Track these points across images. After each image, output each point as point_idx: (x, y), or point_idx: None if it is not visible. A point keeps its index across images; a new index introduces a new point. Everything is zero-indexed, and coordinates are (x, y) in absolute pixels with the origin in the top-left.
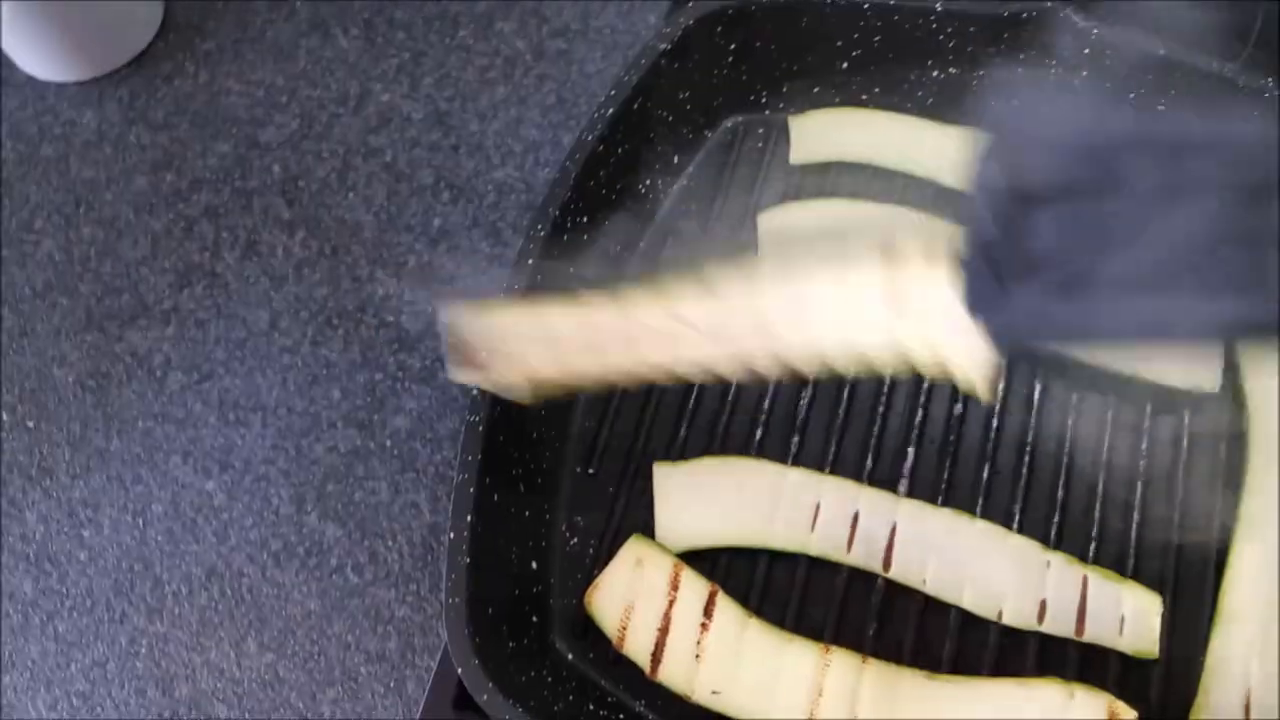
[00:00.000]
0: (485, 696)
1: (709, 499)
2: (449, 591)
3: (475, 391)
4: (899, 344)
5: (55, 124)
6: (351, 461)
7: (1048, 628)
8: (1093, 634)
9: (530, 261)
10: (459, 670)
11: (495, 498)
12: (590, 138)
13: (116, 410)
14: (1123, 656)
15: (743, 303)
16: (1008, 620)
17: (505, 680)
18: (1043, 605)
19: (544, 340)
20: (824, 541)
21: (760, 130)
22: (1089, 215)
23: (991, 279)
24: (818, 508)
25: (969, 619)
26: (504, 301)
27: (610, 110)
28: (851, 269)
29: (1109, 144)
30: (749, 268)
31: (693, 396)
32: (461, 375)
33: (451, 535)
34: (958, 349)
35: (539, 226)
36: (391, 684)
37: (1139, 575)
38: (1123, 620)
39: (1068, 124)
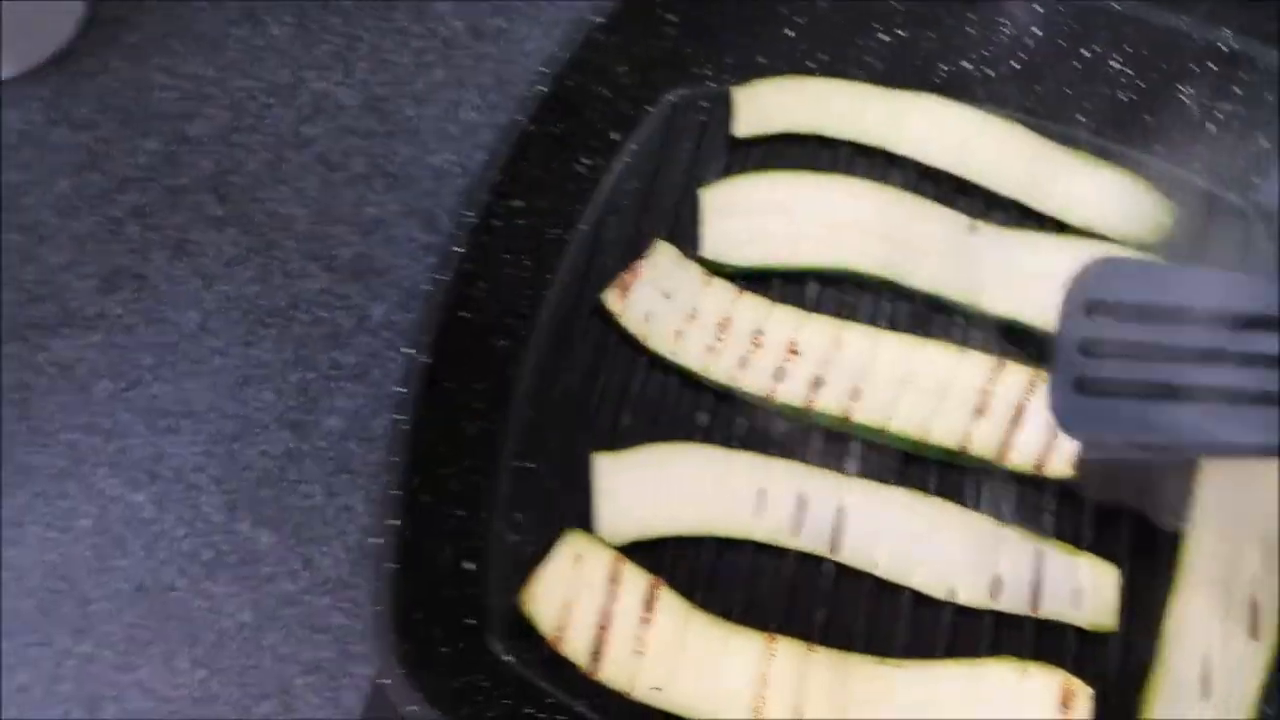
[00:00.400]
0: (412, 708)
1: (651, 489)
2: (373, 599)
3: (401, 389)
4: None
5: None
6: (285, 465)
7: (1003, 605)
8: (1049, 609)
9: (458, 249)
10: (385, 682)
11: (425, 499)
12: (522, 118)
13: (40, 423)
14: (1080, 631)
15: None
16: (962, 600)
17: (436, 689)
18: (997, 582)
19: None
20: (771, 526)
21: (703, 104)
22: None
23: (1071, 388)
24: (763, 492)
25: (922, 601)
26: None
27: (542, 89)
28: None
29: (1177, 309)
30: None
31: (634, 384)
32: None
33: (375, 541)
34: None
35: (468, 213)
36: (328, 695)
37: (1096, 547)
38: (1079, 593)
39: (1145, 284)
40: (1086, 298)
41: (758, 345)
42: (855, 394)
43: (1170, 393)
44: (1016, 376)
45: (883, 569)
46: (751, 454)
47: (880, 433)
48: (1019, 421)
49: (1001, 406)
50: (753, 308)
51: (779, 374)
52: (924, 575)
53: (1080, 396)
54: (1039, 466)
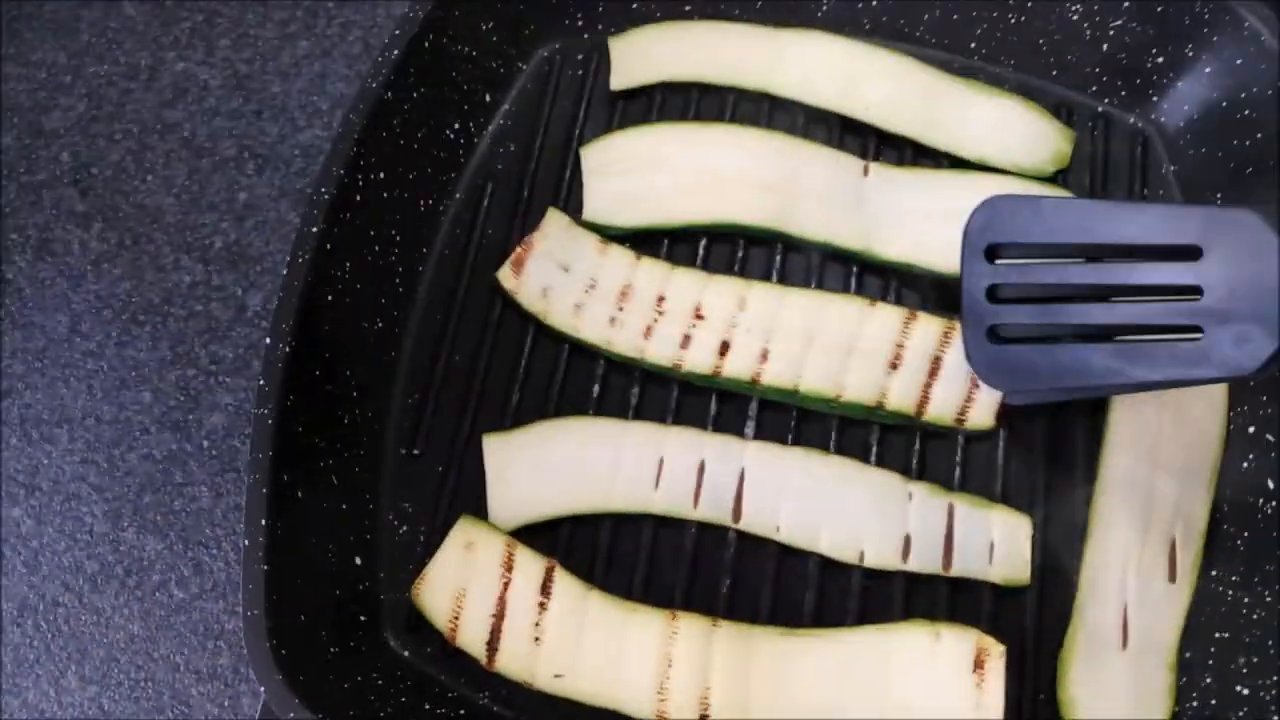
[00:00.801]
0: (292, 715)
1: (545, 468)
2: (246, 604)
3: (263, 382)
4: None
5: None
6: (168, 468)
7: (913, 566)
8: (961, 567)
9: (314, 229)
10: (262, 689)
11: (299, 494)
12: (375, 84)
13: None
14: (995, 589)
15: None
16: (870, 563)
17: (320, 692)
18: (907, 541)
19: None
20: (670, 497)
21: (579, 56)
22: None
23: (985, 339)
24: (661, 462)
25: (829, 565)
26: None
27: (395, 52)
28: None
29: (1073, 246)
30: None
31: (523, 361)
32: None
33: (246, 543)
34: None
35: (323, 190)
36: (225, 703)
37: (1007, 499)
38: (992, 548)
39: (1040, 223)
40: (984, 242)
41: (661, 312)
42: (763, 355)
43: (1081, 333)
44: (929, 327)
45: (785, 534)
46: (647, 424)
47: (792, 393)
48: (935, 374)
49: (916, 359)
50: (653, 273)
51: (685, 342)
52: (830, 538)
53: (996, 346)
54: (960, 419)
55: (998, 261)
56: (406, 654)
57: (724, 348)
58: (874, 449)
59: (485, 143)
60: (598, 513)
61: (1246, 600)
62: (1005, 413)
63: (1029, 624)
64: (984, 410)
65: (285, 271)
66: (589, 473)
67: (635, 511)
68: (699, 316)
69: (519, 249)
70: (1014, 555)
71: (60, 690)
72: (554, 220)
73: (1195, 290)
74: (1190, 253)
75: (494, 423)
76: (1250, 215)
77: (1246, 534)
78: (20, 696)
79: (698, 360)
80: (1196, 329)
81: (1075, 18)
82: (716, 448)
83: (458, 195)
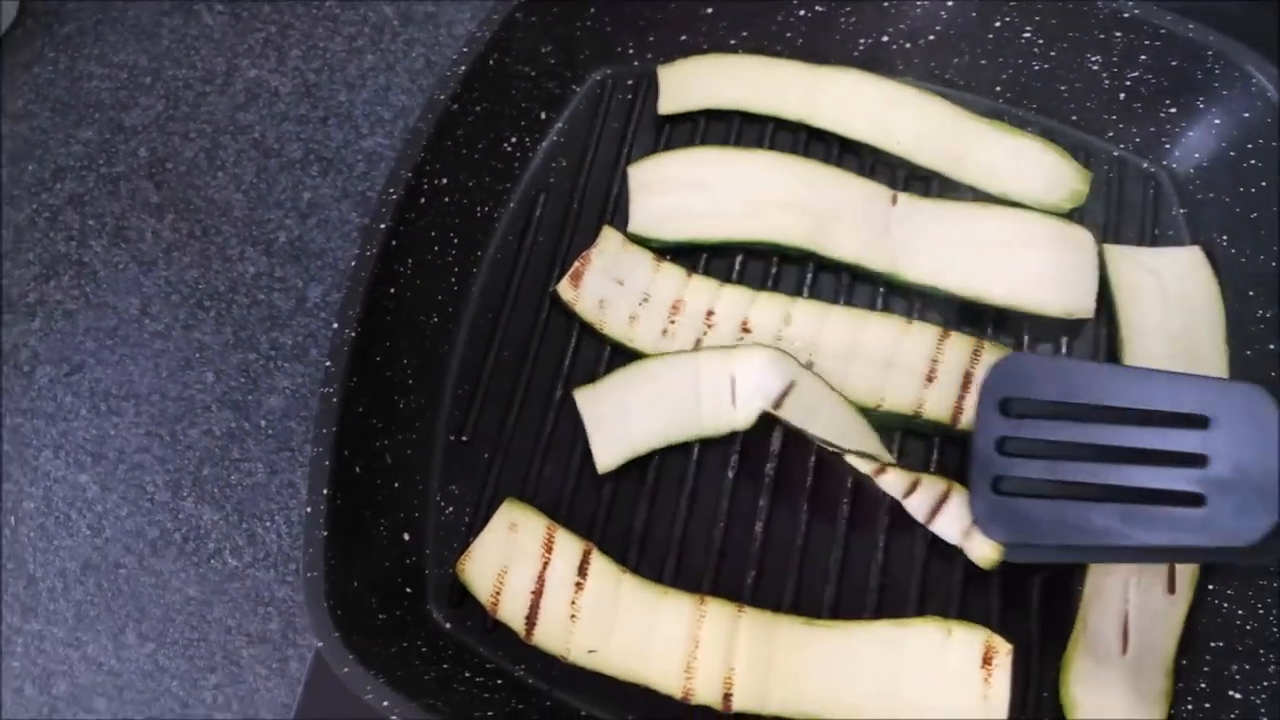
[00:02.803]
0: (346, 670)
1: (635, 407)
2: (307, 566)
3: (329, 364)
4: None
5: None
6: (227, 444)
7: (910, 502)
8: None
9: (383, 226)
10: (319, 645)
11: (358, 470)
12: (443, 97)
13: None
14: (1003, 592)
15: None
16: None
17: (371, 652)
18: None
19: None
20: (749, 412)
21: (629, 82)
22: (1068, 457)
23: (990, 489)
24: (733, 380)
25: (848, 562)
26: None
27: (463, 69)
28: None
29: (1085, 406)
30: None
31: (566, 359)
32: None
33: (309, 510)
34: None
35: (391, 191)
36: (274, 665)
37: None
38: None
39: (1055, 381)
40: (999, 396)
41: (710, 325)
42: (808, 367)
43: (1087, 493)
44: (961, 345)
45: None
46: (714, 349)
47: None
48: (968, 387)
49: (950, 373)
50: (703, 289)
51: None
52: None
53: (999, 497)
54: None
55: (1011, 417)
56: (448, 626)
57: None
58: (893, 450)
59: (539, 157)
60: (690, 440)
61: (1240, 612)
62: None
63: (1035, 627)
64: None
65: (353, 263)
66: (674, 403)
67: (721, 434)
68: (746, 330)
69: (577, 263)
70: None
71: (119, 645)
72: (610, 237)
73: (1201, 459)
74: (1199, 421)
75: (536, 416)
76: (1258, 391)
77: None
78: (81, 649)
79: None
80: (1199, 498)
81: (1095, 68)
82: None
83: (511, 204)
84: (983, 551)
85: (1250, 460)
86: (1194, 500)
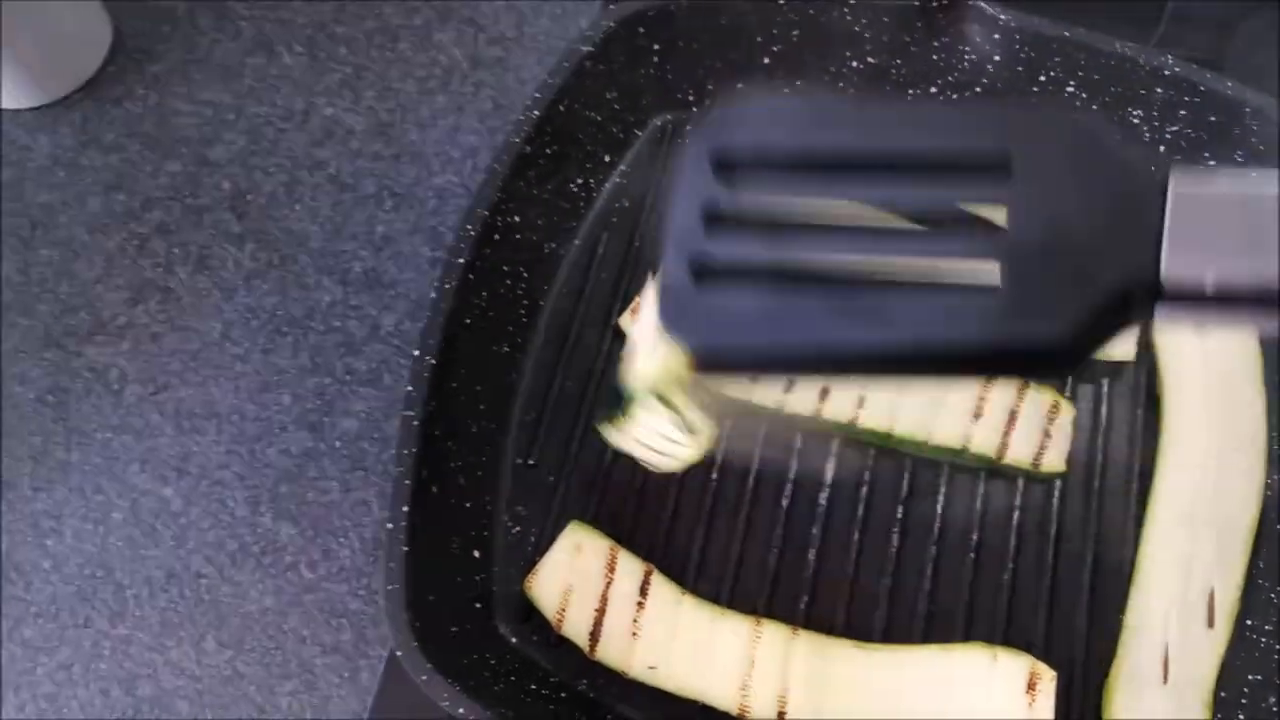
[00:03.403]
0: (425, 678)
1: None
2: (388, 579)
3: (410, 389)
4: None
5: (10, 150)
6: (303, 463)
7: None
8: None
9: (461, 260)
10: (399, 654)
11: (434, 490)
12: (517, 139)
13: (76, 424)
14: (1047, 621)
15: None
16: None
17: (446, 663)
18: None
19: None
20: None
21: (689, 127)
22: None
23: (688, 275)
24: None
25: (897, 590)
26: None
27: (536, 113)
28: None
29: (829, 156)
30: None
31: None
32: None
33: (390, 526)
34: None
35: (469, 227)
36: (346, 674)
37: (1060, 540)
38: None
39: (791, 127)
40: (717, 147)
41: None
42: (860, 401)
43: (822, 274)
44: (1007, 384)
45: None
46: None
47: (886, 436)
48: (1013, 424)
49: (996, 411)
50: None
51: (788, 386)
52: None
53: (700, 290)
54: (1035, 464)
55: (726, 177)
56: (514, 640)
57: (823, 392)
58: (942, 489)
59: (603, 197)
60: None
61: (1278, 648)
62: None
63: (1078, 655)
64: (1056, 456)
65: (433, 295)
66: None
67: None
68: None
69: (639, 298)
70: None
71: (200, 652)
72: None
73: (984, 224)
74: (993, 166)
75: (601, 442)
76: (1088, 117)
77: (1279, 589)
78: (165, 655)
79: (800, 404)
80: (986, 286)
81: (1136, 121)
82: None
83: (576, 242)
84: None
85: (1057, 222)
86: (969, 285)
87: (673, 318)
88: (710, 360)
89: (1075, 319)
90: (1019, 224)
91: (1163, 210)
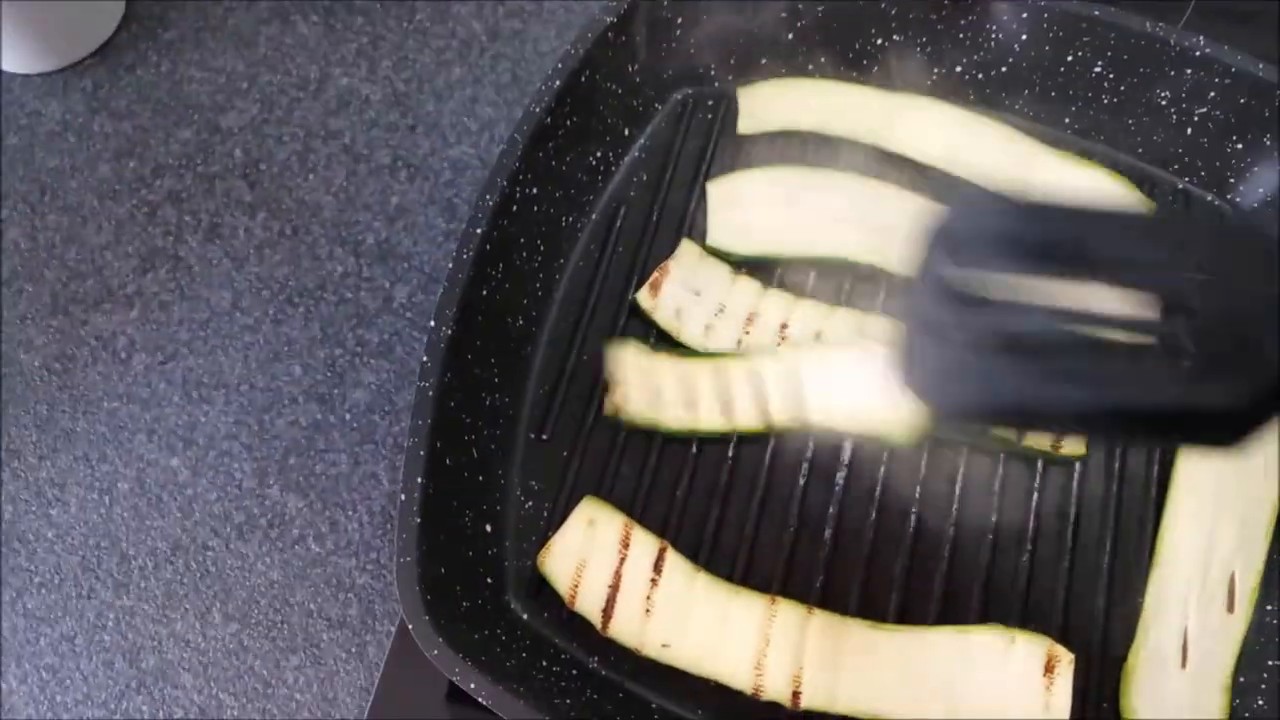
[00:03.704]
0: (435, 651)
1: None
2: (400, 550)
3: (426, 359)
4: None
5: (20, 115)
6: (312, 435)
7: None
8: None
9: (478, 231)
10: (410, 627)
11: (447, 462)
12: (537, 110)
13: (82, 392)
14: (1065, 604)
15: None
16: None
17: (457, 637)
18: None
19: (649, 388)
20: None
21: (709, 102)
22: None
23: (929, 343)
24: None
25: (913, 571)
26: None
27: (557, 84)
28: None
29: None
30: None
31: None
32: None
33: (403, 497)
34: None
35: (487, 197)
36: (353, 649)
37: (1080, 524)
38: None
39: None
40: (953, 236)
41: (784, 338)
42: None
43: (1044, 346)
44: None
45: None
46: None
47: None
48: None
49: None
50: (778, 302)
51: None
52: None
53: (938, 353)
54: (1055, 445)
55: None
56: (526, 616)
57: None
58: (960, 470)
59: (622, 171)
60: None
61: None
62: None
63: (1096, 638)
64: (1077, 439)
65: (450, 265)
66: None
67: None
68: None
69: (656, 273)
70: None
71: (205, 624)
72: (688, 250)
73: (1180, 307)
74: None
75: (610, 418)
76: (1258, 235)
77: None
78: (169, 627)
79: None
80: (1181, 353)
81: (1163, 103)
82: None
83: (594, 215)
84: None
85: (1245, 308)
86: (1167, 355)
87: (914, 380)
88: (945, 413)
89: (1253, 391)
90: (1207, 311)
91: None
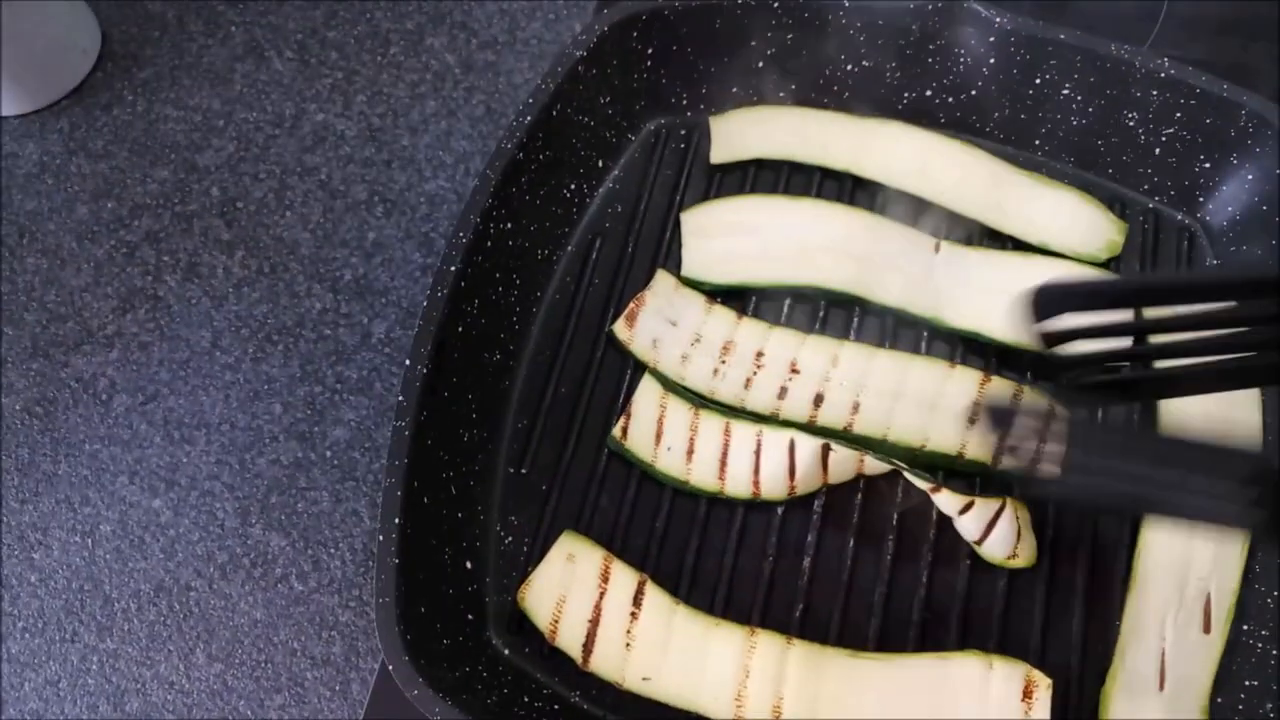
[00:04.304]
0: (415, 691)
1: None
2: (379, 591)
3: (401, 399)
4: None
5: None
6: (294, 473)
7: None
8: None
9: (453, 269)
10: (390, 667)
11: (425, 500)
12: (509, 145)
13: (63, 435)
14: (1043, 628)
15: None
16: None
17: (437, 676)
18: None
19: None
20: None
21: (682, 132)
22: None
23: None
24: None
25: (891, 598)
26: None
27: (529, 118)
28: None
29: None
30: None
31: (620, 396)
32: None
33: (381, 538)
34: None
35: (461, 234)
36: (337, 687)
37: (1057, 544)
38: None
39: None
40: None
41: (760, 366)
42: (854, 408)
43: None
44: (1001, 389)
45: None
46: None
47: (880, 442)
48: None
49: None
50: (753, 331)
51: (782, 393)
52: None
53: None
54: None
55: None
56: (507, 652)
57: (818, 399)
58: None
59: (596, 203)
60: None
61: (1275, 652)
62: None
63: (1073, 662)
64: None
65: (424, 303)
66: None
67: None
68: (795, 371)
69: (632, 304)
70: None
71: (189, 665)
72: (663, 280)
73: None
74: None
75: (591, 452)
76: None
77: (1276, 593)
78: (153, 669)
79: (794, 410)
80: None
81: (1131, 124)
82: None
83: (569, 248)
84: (1024, 562)
85: None
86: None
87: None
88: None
89: None
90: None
91: None
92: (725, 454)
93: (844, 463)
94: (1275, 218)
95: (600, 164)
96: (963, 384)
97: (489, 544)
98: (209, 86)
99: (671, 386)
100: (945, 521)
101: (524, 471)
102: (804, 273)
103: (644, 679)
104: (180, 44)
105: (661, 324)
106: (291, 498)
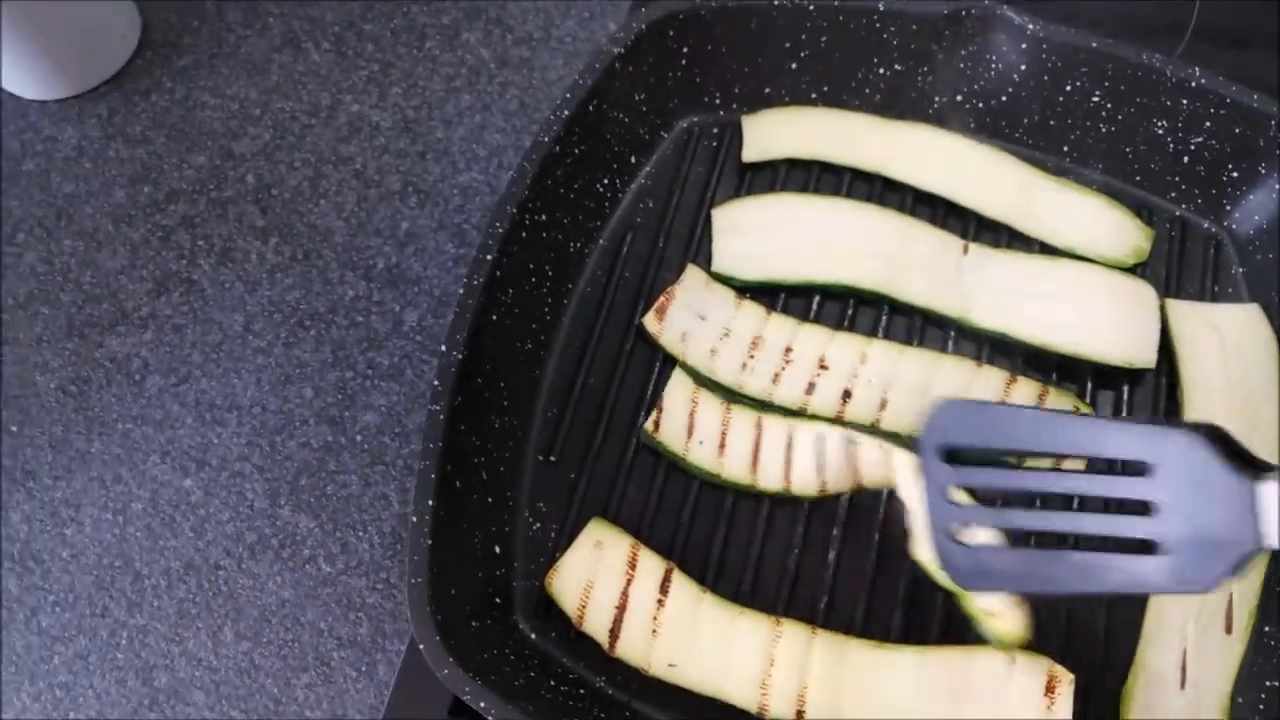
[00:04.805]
0: (446, 671)
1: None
2: (411, 572)
3: (437, 383)
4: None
5: (36, 140)
6: (323, 456)
7: None
8: None
9: (489, 257)
10: (421, 647)
11: (457, 484)
12: (546, 139)
13: (97, 414)
14: (1066, 624)
15: None
16: None
17: (466, 657)
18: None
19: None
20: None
21: (714, 130)
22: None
23: (951, 545)
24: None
25: (916, 589)
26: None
27: (565, 113)
28: None
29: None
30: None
31: (649, 388)
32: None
33: (414, 519)
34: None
35: (497, 224)
36: (363, 668)
37: (1079, 543)
38: None
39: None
40: (940, 443)
41: (789, 361)
42: (882, 404)
43: (1043, 541)
44: (1027, 390)
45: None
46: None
47: (907, 439)
48: None
49: None
50: (782, 326)
51: (809, 389)
52: None
53: (963, 548)
54: (1056, 466)
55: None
56: (534, 636)
57: (846, 395)
58: None
59: (629, 198)
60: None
61: None
62: None
63: (1096, 658)
64: (1077, 460)
65: (460, 291)
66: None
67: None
68: (823, 367)
69: (662, 298)
70: None
71: (217, 643)
72: (693, 275)
73: (1150, 507)
74: (1145, 469)
75: (622, 440)
76: (1195, 438)
77: None
78: (182, 645)
79: (822, 405)
80: (1154, 546)
81: (1160, 132)
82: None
83: (601, 241)
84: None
85: (1198, 507)
86: (1149, 547)
87: (946, 567)
88: (975, 588)
89: (1218, 576)
90: (1169, 511)
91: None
92: (757, 448)
93: (875, 466)
94: None
95: (633, 160)
96: (990, 383)
97: (517, 530)
98: (246, 76)
99: (702, 381)
100: None
101: (553, 460)
102: (833, 271)
103: (670, 665)
104: (219, 34)
105: (691, 318)
106: (321, 480)
